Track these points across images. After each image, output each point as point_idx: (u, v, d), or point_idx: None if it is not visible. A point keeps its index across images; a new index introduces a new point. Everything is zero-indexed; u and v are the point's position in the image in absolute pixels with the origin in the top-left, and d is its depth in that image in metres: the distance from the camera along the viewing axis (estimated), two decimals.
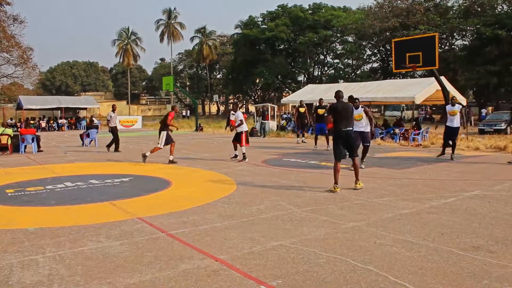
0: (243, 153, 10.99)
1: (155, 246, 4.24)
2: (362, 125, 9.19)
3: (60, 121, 34.64)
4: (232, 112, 28.77)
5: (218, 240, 4.38)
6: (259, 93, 59.34)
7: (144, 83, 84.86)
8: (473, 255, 3.86)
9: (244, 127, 11.19)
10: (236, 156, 11.32)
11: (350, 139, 6.97)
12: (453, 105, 10.95)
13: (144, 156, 10.62)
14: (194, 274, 3.49)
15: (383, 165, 9.04)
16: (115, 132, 14.24)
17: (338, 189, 6.78)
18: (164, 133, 10.76)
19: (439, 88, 15.12)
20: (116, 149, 14.14)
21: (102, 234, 4.67)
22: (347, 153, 7.09)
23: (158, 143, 10.78)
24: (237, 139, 11.24)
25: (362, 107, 9.29)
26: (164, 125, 10.91)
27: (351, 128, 7.02)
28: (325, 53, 49.69)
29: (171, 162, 10.71)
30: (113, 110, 14.58)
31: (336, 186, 6.81)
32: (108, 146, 14.34)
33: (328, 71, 50.90)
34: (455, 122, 10.80)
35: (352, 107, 7.36)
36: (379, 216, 5.29)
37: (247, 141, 11.34)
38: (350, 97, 8.80)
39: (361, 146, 9.09)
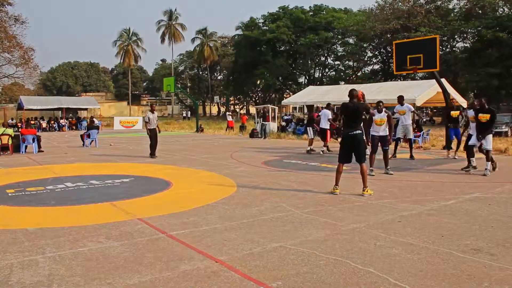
0: (327, 146, 13.44)
1: (155, 247, 4.24)
2: (382, 129, 8.95)
3: (61, 121, 34.67)
4: (238, 114, 28.83)
5: (218, 241, 4.38)
6: (259, 94, 59.43)
7: (145, 84, 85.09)
8: (473, 257, 3.85)
9: (328, 125, 13.24)
10: (310, 150, 13.32)
11: (356, 142, 6.60)
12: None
13: (312, 151, 13.26)
14: (194, 275, 3.49)
15: (383, 167, 9.04)
16: (156, 135, 12.71)
17: (337, 190, 6.77)
18: (310, 128, 13.92)
19: (440, 90, 15.11)
20: (153, 153, 12.63)
21: (102, 234, 4.67)
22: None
23: (310, 136, 13.89)
24: (323, 135, 13.32)
25: (385, 111, 9.02)
26: (311, 121, 14.13)
27: (359, 132, 6.63)
28: (326, 54, 49.76)
29: (309, 151, 13.29)
30: (152, 111, 12.80)
31: (336, 187, 6.81)
32: (152, 153, 12.59)
33: (329, 73, 50.99)
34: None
35: (362, 109, 6.80)
36: (379, 218, 5.28)
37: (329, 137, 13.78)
38: (378, 103, 8.92)
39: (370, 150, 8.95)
